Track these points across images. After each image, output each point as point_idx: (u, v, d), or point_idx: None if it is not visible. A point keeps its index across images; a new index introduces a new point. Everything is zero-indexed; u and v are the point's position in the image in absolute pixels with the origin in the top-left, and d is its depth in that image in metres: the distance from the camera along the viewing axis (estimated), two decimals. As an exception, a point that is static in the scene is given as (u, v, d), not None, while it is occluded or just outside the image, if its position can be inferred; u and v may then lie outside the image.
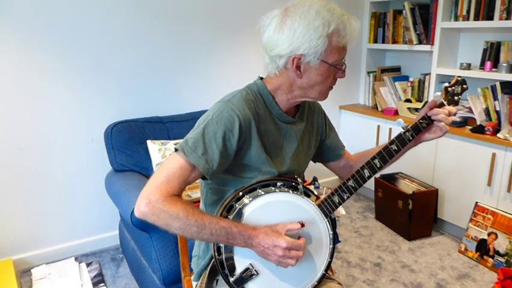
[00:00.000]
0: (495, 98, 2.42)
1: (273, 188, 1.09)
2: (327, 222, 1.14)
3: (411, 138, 1.23)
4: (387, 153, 1.20)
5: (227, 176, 1.10)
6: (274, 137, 1.13)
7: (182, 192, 1.03)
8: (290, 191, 1.11)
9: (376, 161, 1.18)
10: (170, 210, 0.95)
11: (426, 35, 2.85)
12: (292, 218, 1.08)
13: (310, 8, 1.01)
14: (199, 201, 1.27)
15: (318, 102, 1.30)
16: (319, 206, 1.14)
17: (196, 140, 1.00)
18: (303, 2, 1.03)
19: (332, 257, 1.16)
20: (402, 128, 1.23)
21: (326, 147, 1.36)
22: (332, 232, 1.14)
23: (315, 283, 1.14)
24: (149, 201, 0.95)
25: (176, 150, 1.02)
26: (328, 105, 3.32)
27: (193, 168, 1.00)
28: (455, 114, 1.18)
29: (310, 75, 1.06)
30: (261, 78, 1.16)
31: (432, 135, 1.28)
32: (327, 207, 1.14)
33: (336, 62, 1.07)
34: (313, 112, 1.29)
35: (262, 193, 1.08)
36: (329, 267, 1.16)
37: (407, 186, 2.77)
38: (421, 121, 1.24)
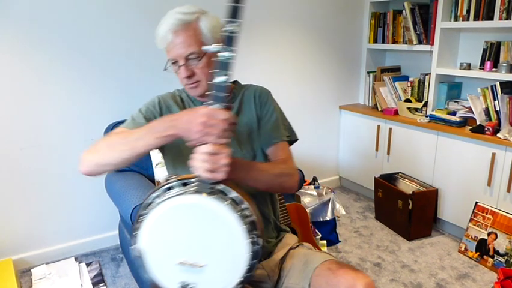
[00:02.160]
0: (495, 98, 2.42)
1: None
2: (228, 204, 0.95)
3: None
4: None
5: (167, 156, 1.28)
6: None
7: None
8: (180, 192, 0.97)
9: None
10: (99, 141, 1.12)
11: (426, 35, 2.85)
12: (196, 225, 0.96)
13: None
14: None
15: (259, 88, 1.37)
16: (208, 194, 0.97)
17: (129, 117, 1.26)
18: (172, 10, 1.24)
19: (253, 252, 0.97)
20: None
21: (261, 134, 1.32)
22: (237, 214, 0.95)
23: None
24: (83, 153, 1.12)
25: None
26: (328, 105, 3.32)
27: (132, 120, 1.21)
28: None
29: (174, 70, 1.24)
30: None
31: None
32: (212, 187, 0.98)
33: (170, 60, 1.22)
34: (247, 96, 1.33)
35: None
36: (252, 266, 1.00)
37: (407, 186, 2.78)
38: None
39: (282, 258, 1.31)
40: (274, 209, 1.39)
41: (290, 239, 1.40)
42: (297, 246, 1.38)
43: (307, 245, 1.40)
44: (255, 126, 1.29)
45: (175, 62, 1.20)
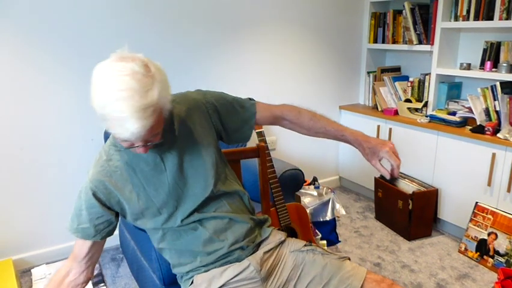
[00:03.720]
0: (495, 98, 2.42)
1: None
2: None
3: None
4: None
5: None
6: (150, 173, 1.16)
7: None
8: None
9: None
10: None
11: (426, 35, 2.85)
12: None
13: (96, 78, 1.09)
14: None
15: (191, 103, 1.21)
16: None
17: (73, 216, 1.20)
18: (98, 71, 1.07)
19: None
20: None
21: (233, 130, 1.28)
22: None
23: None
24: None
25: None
26: (328, 105, 3.32)
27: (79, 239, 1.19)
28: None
29: None
30: None
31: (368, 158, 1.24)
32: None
33: (124, 144, 1.06)
34: (191, 117, 1.19)
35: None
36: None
37: (407, 186, 2.78)
38: None
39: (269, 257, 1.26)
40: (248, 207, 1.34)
41: (277, 236, 1.33)
42: (307, 250, 1.28)
43: (320, 250, 1.28)
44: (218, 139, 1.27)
45: (131, 145, 1.01)
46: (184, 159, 1.18)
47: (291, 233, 2.03)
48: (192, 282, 1.22)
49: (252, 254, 1.25)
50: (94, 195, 1.14)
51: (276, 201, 1.93)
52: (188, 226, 1.20)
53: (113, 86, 0.95)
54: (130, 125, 0.92)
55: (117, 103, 0.93)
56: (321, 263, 1.23)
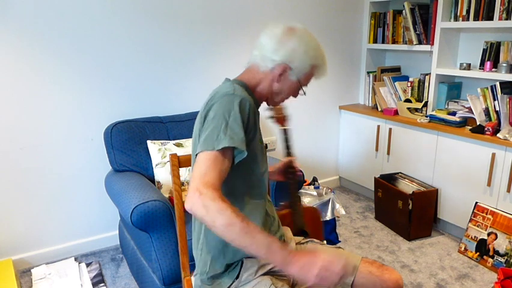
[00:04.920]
0: (495, 98, 2.42)
1: None
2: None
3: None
4: None
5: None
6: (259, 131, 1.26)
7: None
8: None
9: None
10: (219, 204, 0.97)
11: (426, 35, 2.85)
12: None
13: (313, 40, 1.22)
14: None
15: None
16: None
17: (216, 130, 1.05)
18: (307, 31, 1.22)
19: None
20: None
21: None
22: None
23: None
24: (200, 193, 0.97)
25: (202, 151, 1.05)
26: (328, 105, 3.32)
27: (224, 154, 1.04)
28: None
29: (284, 85, 1.24)
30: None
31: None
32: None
33: (304, 85, 1.27)
34: None
35: None
36: None
37: (407, 186, 2.78)
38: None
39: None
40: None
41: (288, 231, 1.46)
42: (307, 242, 1.43)
43: (317, 241, 1.46)
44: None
45: (304, 87, 1.27)
46: None
47: (304, 236, 1.99)
48: (242, 265, 1.23)
49: None
50: (250, 108, 1.11)
51: (291, 203, 1.85)
52: (257, 201, 1.24)
53: (319, 44, 1.25)
54: (325, 61, 1.27)
55: (325, 59, 1.27)
56: (322, 249, 1.34)
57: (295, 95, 1.28)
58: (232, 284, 1.21)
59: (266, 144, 1.39)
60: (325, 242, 2.40)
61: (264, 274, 1.23)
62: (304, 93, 1.28)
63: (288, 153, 1.61)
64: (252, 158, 1.16)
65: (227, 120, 1.06)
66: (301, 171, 2.13)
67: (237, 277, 1.21)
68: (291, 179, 1.60)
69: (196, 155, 1.07)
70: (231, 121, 1.06)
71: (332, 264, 0.99)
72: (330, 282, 1.00)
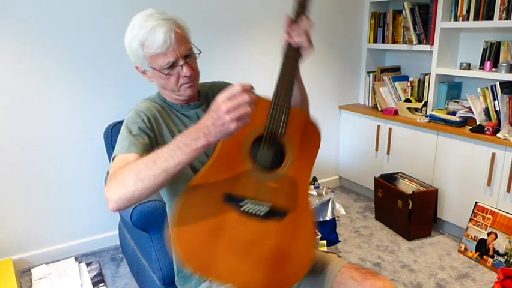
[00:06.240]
0: (495, 98, 2.42)
1: None
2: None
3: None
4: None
5: None
6: (175, 128, 1.21)
7: None
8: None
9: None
10: (119, 172, 0.97)
11: (426, 35, 2.85)
12: None
13: (133, 21, 1.15)
14: None
15: (222, 83, 1.39)
16: None
17: (121, 140, 1.12)
18: (135, 17, 1.16)
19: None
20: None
21: None
22: None
23: None
24: (107, 187, 0.97)
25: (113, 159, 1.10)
26: (328, 105, 3.32)
27: (126, 153, 1.07)
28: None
29: (155, 80, 1.20)
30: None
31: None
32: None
33: (163, 66, 1.14)
34: (213, 93, 1.34)
35: None
36: None
37: (406, 186, 2.78)
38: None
39: None
40: None
41: None
42: None
43: None
44: None
45: (172, 65, 1.14)
46: None
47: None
48: None
49: None
50: (147, 117, 1.16)
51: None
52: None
53: (148, 21, 1.15)
54: (159, 34, 1.11)
55: (151, 28, 1.14)
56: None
57: (180, 77, 1.17)
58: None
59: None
60: (325, 242, 2.42)
61: None
62: (182, 72, 1.15)
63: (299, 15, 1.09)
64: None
65: (125, 135, 1.12)
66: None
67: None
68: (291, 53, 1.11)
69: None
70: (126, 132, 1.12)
71: (228, 92, 0.86)
72: (243, 106, 0.86)
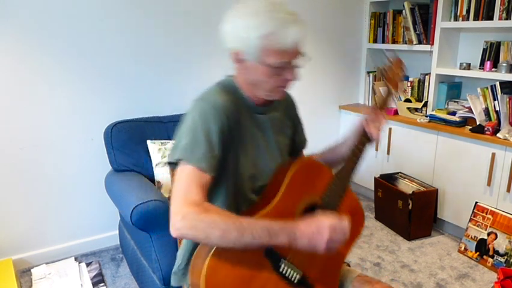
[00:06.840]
0: (495, 98, 2.43)
1: None
2: None
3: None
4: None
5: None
6: (251, 131, 1.14)
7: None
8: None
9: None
10: (206, 218, 0.92)
11: (426, 35, 2.85)
12: None
13: (254, 7, 1.02)
14: None
15: (290, 94, 1.33)
16: None
17: (194, 141, 1.01)
18: (245, 3, 1.04)
19: None
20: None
21: (294, 142, 1.33)
22: None
23: None
24: (183, 216, 0.93)
25: (171, 163, 1.04)
26: (328, 105, 3.32)
27: (201, 171, 1.00)
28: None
29: (252, 73, 1.07)
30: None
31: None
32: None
33: (276, 64, 1.03)
34: (287, 103, 1.30)
35: None
36: None
37: (406, 186, 2.78)
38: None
39: None
40: None
41: None
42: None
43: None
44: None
45: (284, 65, 1.05)
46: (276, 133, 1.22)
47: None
48: None
49: None
50: (227, 117, 1.05)
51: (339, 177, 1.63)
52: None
53: (280, 12, 1.05)
54: (294, 29, 1.02)
55: (284, 19, 1.05)
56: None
57: (281, 78, 1.07)
58: None
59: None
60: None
61: None
62: (291, 73, 1.07)
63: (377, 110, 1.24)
64: (236, 161, 1.10)
65: (198, 138, 1.02)
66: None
67: None
68: (360, 145, 1.20)
69: (170, 163, 1.04)
70: (194, 136, 1.02)
71: (338, 223, 0.96)
72: (340, 242, 0.96)
